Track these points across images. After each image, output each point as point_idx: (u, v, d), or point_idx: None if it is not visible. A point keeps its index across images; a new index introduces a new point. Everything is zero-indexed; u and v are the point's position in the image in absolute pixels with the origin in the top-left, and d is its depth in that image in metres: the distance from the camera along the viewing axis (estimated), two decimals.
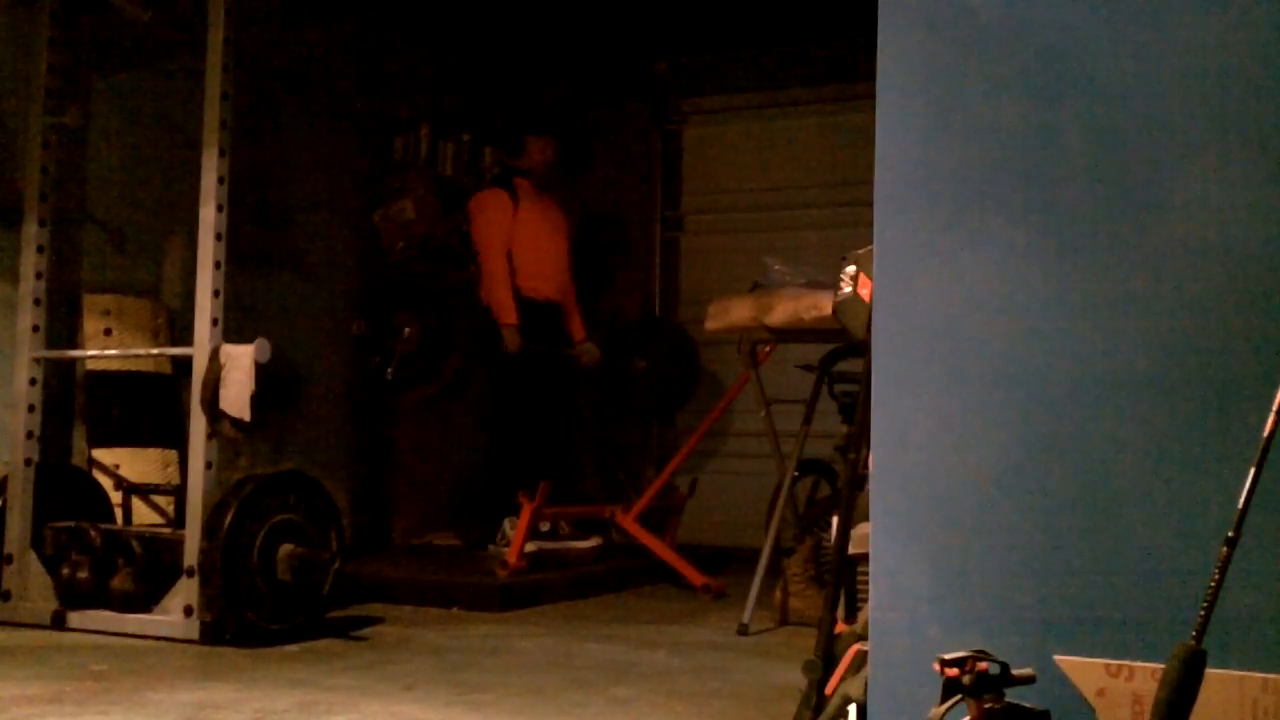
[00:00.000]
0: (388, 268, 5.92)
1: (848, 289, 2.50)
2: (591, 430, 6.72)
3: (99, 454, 4.64)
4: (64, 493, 4.27)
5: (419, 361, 5.46)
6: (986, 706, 1.66)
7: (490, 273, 5.72)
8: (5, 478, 4.17)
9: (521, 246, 5.76)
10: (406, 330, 5.49)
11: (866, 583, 2.15)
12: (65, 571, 4.00)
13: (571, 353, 5.98)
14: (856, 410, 3.22)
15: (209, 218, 3.96)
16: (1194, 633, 1.57)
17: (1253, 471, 1.60)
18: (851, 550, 2.49)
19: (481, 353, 5.85)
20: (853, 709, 2.13)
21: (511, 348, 5.58)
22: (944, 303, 2.06)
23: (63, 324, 4.56)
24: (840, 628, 2.48)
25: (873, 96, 2.14)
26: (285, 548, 3.89)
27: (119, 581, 3.95)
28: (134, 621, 3.90)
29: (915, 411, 2.07)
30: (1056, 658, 1.85)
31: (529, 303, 5.75)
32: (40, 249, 4.25)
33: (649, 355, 6.50)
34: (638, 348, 6.54)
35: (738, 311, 4.53)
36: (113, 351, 4.60)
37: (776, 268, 4.62)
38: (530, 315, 5.72)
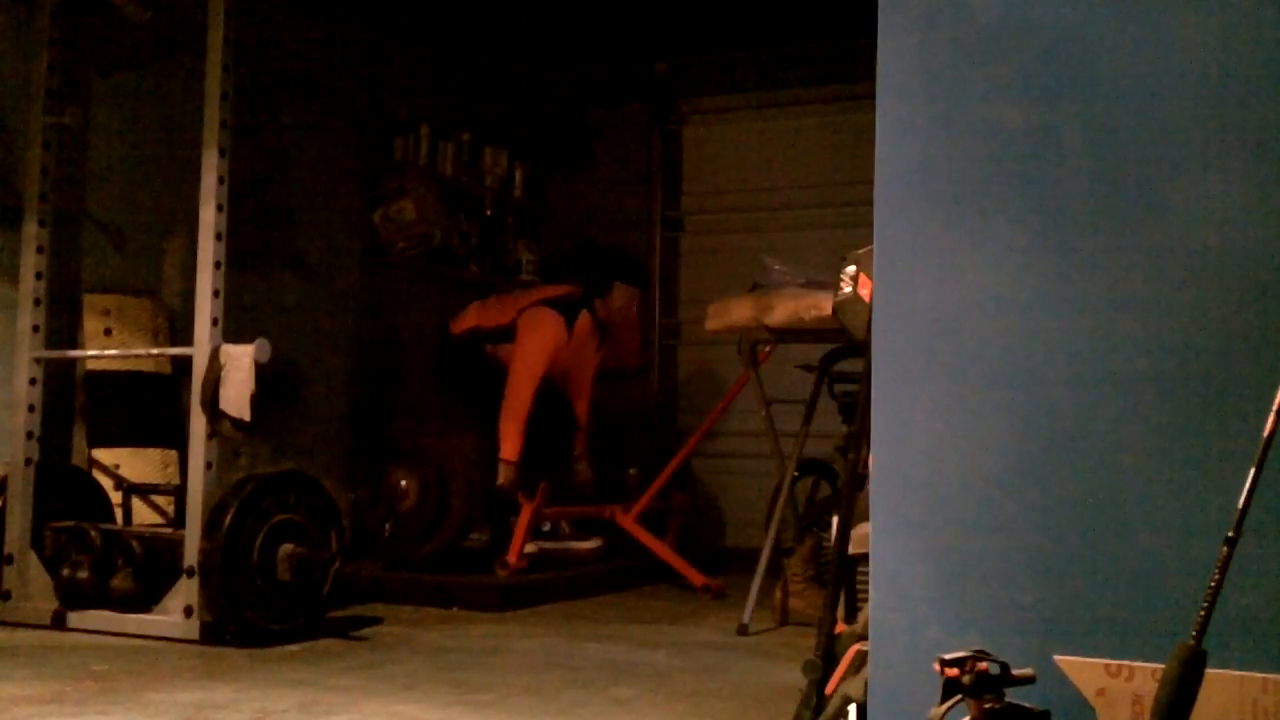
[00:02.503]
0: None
1: (848, 289, 2.50)
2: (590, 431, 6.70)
3: (99, 454, 4.64)
4: (64, 493, 4.27)
5: (418, 523, 5.31)
6: (986, 706, 1.66)
7: (514, 401, 5.31)
8: (5, 478, 4.17)
9: (549, 371, 5.49)
10: (405, 486, 5.33)
11: (866, 583, 2.15)
12: (65, 571, 4.00)
13: (565, 474, 5.79)
14: (856, 410, 3.22)
15: (209, 218, 3.96)
16: (1194, 633, 1.57)
17: (1253, 471, 1.60)
18: (851, 550, 2.49)
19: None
20: (853, 709, 2.13)
21: (504, 482, 5.27)
22: (944, 303, 2.06)
23: (63, 324, 4.56)
24: (840, 628, 2.47)
25: (873, 96, 2.14)
26: (285, 548, 3.89)
27: (119, 581, 3.95)
28: (134, 621, 3.90)
29: (915, 411, 2.07)
30: (1056, 658, 1.85)
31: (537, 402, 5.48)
32: (40, 249, 4.25)
33: (642, 466, 6.39)
34: (632, 456, 6.45)
35: (738, 311, 4.53)
36: (113, 351, 4.60)
37: (776, 268, 4.62)
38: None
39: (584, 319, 5.54)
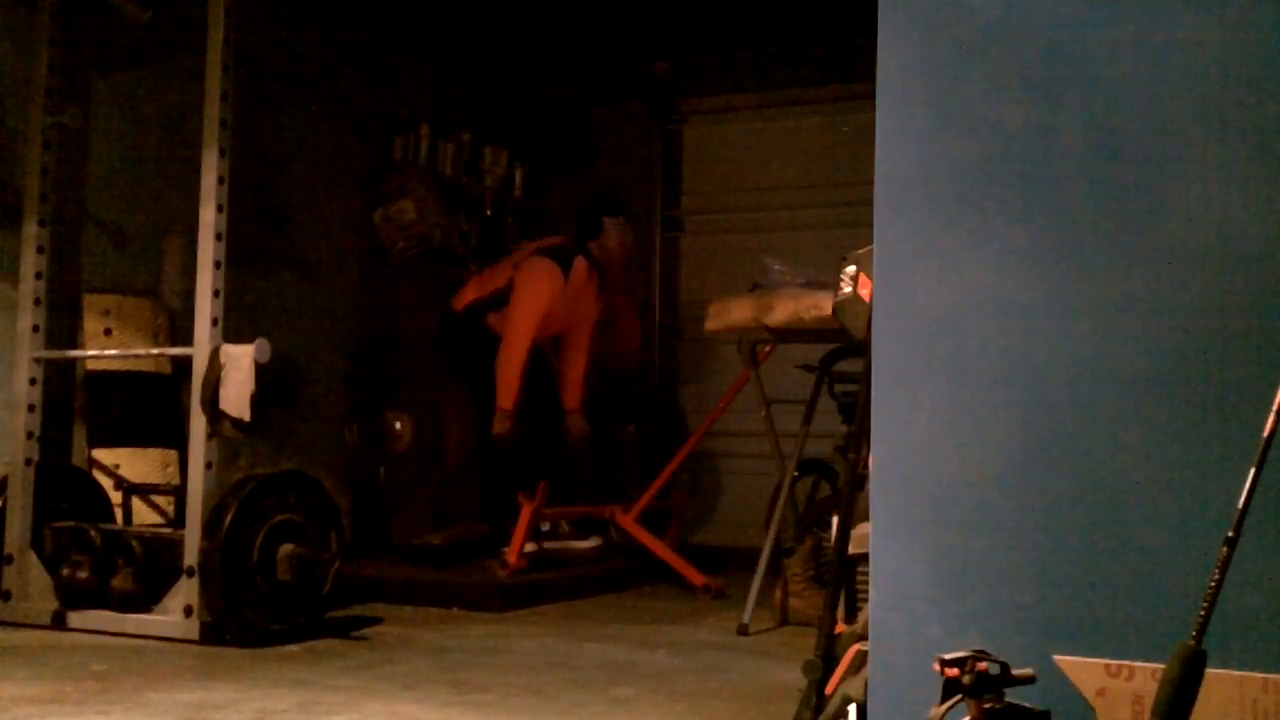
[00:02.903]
0: (385, 351, 5.69)
1: (848, 289, 2.50)
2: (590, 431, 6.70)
3: (99, 454, 4.64)
4: (64, 493, 4.27)
5: (415, 463, 5.27)
6: (986, 706, 1.65)
7: (512, 352, 5.36)
8: (5, 478, 4.17)
9: (547, 323, 5.54)
10: (398, 426, 5.30)
11: (866, 583, 2.15)
12: (65, 571, 4.00)
13: (559, 427, 5.83)
14: (856, 410, 3.22)
15: (209, 218, 3.96)
16: (1194, 633, 1.57)
17: (1253, 471, 1.60)
18: (851, 550, 2.49)
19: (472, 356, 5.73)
20: (853, 709, 2.13)
21: (499, 429, 5.32)
22: (944, 302, 2.06)
23: (63, 324, 4.56)
24: (840, 628, 2.48)
25: (873, 96, 2.14)
26: (285, 548, 3.89)
27: (119, 581, 3.95)
28: (134, 621, 3.90)
29: (915, 411, 2.07)
30: (1056, 658, 1.85)
31: (531, 359, 5.54)
32: (40, 249, 4.25)
33: (639, 421, 6.42)
34: (628, 411, 6.47)
35: (738, 311, 4.53)
36: (113, 351, 4.60)
37: (776, 268, 4.62)
38: (534, 372, 5.54)
39: (580, 264, 5.57)
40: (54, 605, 4.02)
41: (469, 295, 5.64)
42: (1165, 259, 1.92)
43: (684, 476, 6.06)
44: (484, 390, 5.47)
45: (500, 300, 5.51)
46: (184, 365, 4.40)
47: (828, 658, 2.40)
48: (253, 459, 5.15)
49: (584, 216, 5.76)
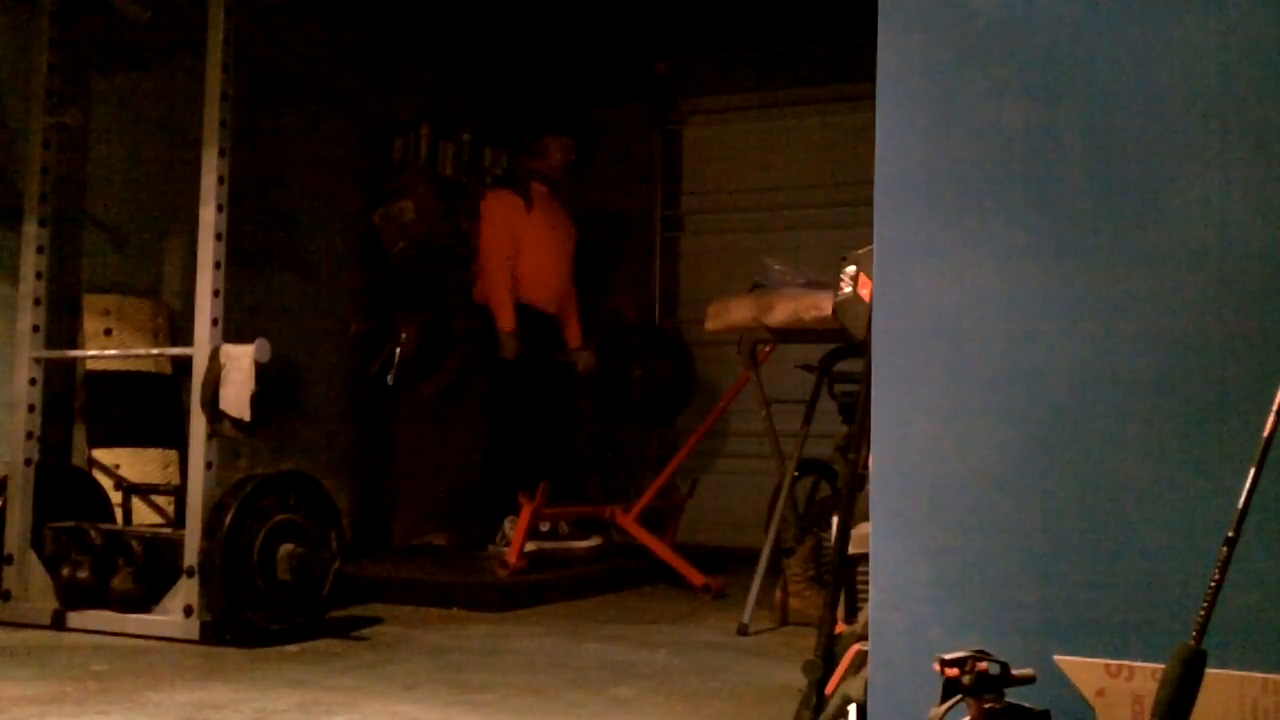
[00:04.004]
0: (388, 268, 5.84)
1: (848, 289, 2.50)
2: (590, 430, 6.71)
3: (99, 454, 4.64)
4: (64, 493, 4.27)
5: (418, 361, 5.35)
6: (986, 706, 1.66)
7: (492, 279, 5.63)
8: (5, 478, 4.17)
9: (526, 254, 5.68)
10: (404, 333, 5.38)
11: (866, 583, 2.15)
12: (65, 571, 4.00)
13: (567, 359, 5.96)
14: (856, 410, 3.22)
15: (209, 218, 3.96)
16: (1194, 633, 1.57)
17: (1253, 471, 1.60)
18: (851, 550, 2.49)
19: (480, 353, 5.82)
20: (853, 709, 2.13)
21: (508, 354, 5.51)
22: (944, 303, 2.06)
23: (63, 324, 4.56)
24: (840, 628, 2.48)
25: (873, 96, 2.14)
26: (285, 548, 3.89)
27: (119, 581, 3.95)
28: (134, 621, 3.90)
29: (915, 411, 2.07)
30: (1056, 658, 1.85)
31: (527, 309, 5.69)
32: (40, 249, 4.25)
33: (645, 361, 6.47)
34: (634, 353, 6.52)
35: (738, 311, 4.52)
36: (113, 351, 4.60)
37: (776, 268, 4.62)
38: (528, 321, 5.67)
39: (538, 188, 5.74)
40: (54, 605, 4.02)
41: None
42: (1165, 259, 1.92)
43: (684, 477, 6.06)
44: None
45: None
46: (184, 365, 4.40)
47: (828, 658, 2.40)
48: (253, 459, 5.16)
49: (527, 138, 5.93)
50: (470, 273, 6.38)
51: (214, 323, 3.92)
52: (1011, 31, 2.05)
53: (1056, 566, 1.95)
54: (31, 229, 4.25)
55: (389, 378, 5.15)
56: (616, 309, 6.34)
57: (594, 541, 5.76)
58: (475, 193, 6.10)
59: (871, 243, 2.18)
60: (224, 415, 3.85)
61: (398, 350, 5.23)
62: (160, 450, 4.78)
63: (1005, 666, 1.68)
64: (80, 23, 4.50)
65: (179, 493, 4.30)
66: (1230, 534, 1.59)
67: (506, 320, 5.56)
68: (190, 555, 3.82)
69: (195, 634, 3.80)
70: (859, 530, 2.45)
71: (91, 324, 4.69)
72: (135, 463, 4.68)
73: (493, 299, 5.60)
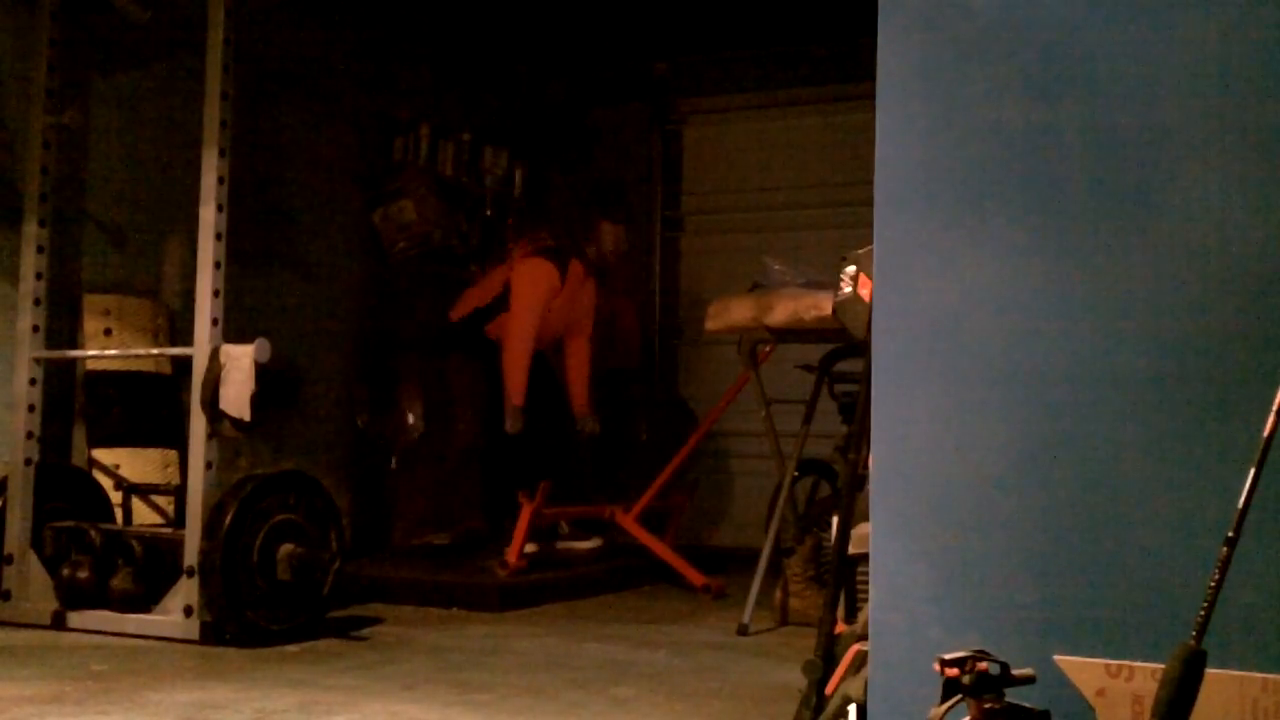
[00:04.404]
0: (388, 356, 5.70)
1: (848, 289, 2.50)
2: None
3: (99, 454, 4.64)
4: (64, 493, 4.27)
5: (423, 447, 5.23)
6: (986, 706, 1.66)
7: (515, 350, 5.41)
8: (5, 478, 4.17)
9: (548, 326, 5.56)
10: (410, 417, 5.26)
11: (866, 583, 2.15)
12: (65, 571, 4.00)
13: (570, 428, 5.84)
14: (856, 410, 3.22)
15: (209, 218, 3.96)
16: (1194, 633, 1.57)
17: (1253, 471, 1.60)
18: (851, 550, 2.49)
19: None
20: (853, 709, 2.13)
21: (512, 429, 5.36)
22: (944, 303, 2.06)
23: (63, 324, 4.56)
24: (840, 628, 2.47)
25: (873, 96, 2.14)
26: (285, 548, 3.89)
27: (119, 581, 3.95)
28: (134, 621, 3.90)
29: (915, 411, 2.07)
30: (1056, 658, 1.85)
31: (537, 363, 5.56)
32: (40, 249, 4.25)
33: (651, 418, 6.42)
34: (637, 407, 6.46)
35: (738, 311, 4.52)
36: (113, 351, 4.60)
37: (776, 268, 4.62)
38: (535, 372, 5.56)
39: (575, 265, 5.60)
40: (54, 605, 4.02)
41: (468, 305, 5.67)
42: (1165, 258, 1.92)
43: (688, 475, 6.06)
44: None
45: (498, 307, 5.55)
46: (184, 365, 4.40)
47: (828, 658, 2.40)
48: (253, 459, 5.16)
49: (581, 216, 5.79)
50: (469, 271, 6.39)
51: (214, 323, 3.92)
52: (1011, 31, 2.05)
53: (1056, 566, 1.94)
54: (31, 229, 4.25)
55: (392, 461, 5.09)
56: (615, 315, 6.27)
57: (594, 542, 5.76)
58: (510, 247, 5.99)
59: (871, 243, 2.18)
60: (224, 415, 3.85)
61: (402, 437, 5.15)
62: (160, 450, 4.78)
63: (1005, 666, 1.68)
64: (80, 23, 4.50)
65: (179, 493, 4.30)
66: (1230, 534, 1.59)
67: (517, 395, 5.38)
68: (190, 555, 3.82)
69: (195, 634, 3.80)
70: (859, 530, 2.45)
71: (91, 324, 4.69)
72: (135, 463, 4.68)
73: (510, 372, 5.40)
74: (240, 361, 3.83)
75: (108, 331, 4.72)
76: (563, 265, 5.53)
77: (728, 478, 7.02)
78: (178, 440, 4.69)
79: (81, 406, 4.68)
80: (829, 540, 3.37)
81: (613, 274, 5.91)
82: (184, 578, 3.83)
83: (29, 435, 4.18)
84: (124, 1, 4.44)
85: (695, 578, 5.27)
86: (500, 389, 5.44)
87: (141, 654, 3.67)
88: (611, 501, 5.70)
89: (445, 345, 5.76)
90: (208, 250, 3.94)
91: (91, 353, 4.57)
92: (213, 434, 3.88)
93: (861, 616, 2.34)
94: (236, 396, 3.82)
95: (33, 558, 4.11)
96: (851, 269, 2.49)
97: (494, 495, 5.60)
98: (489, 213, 6.83)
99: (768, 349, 4.86)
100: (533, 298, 5.44)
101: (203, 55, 4.03)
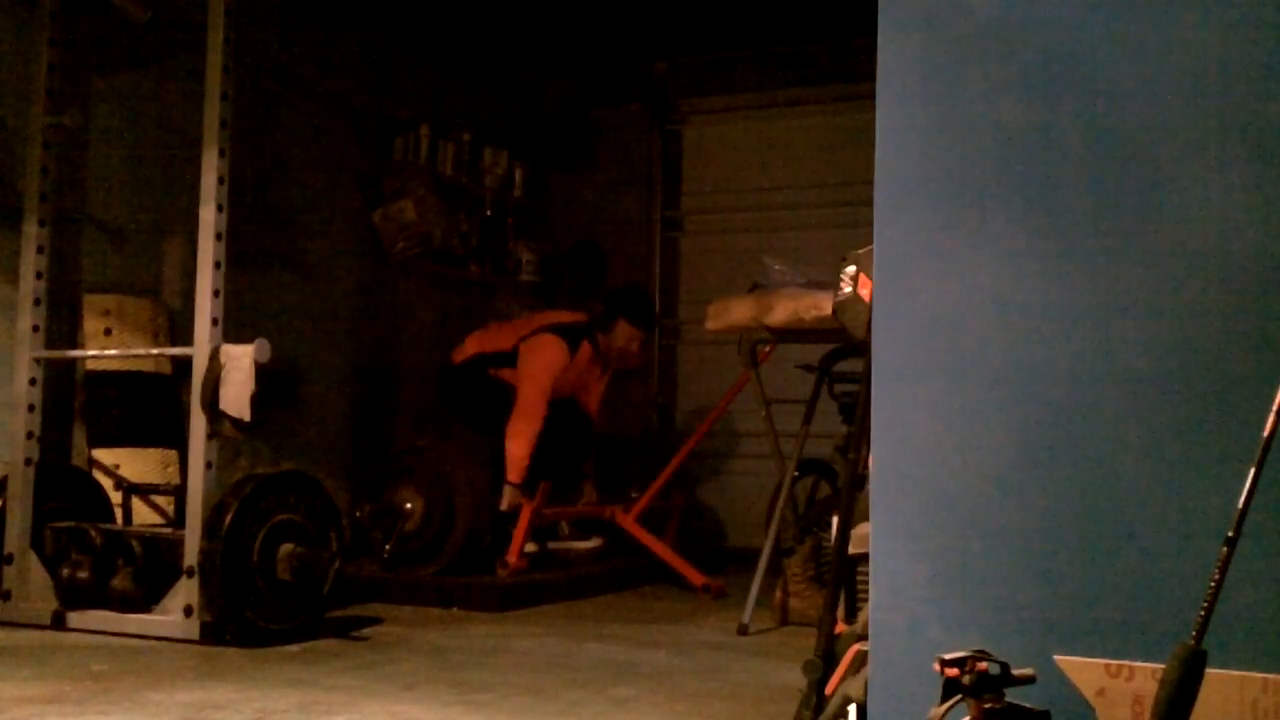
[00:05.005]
0: (389, 460, 5.62)
1: (848, 289, 2.49)
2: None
3: (99, 454, 4.64)
4: (64, 493, 4.27)
5: (418, 541, 5.21)
6: (986, 706, 1.66)
7: (521, 429, 5.38)
8: (5, 478, 4.17)
9: (555, 394, 5.56)
10: (409, 506, 5.23)
11: (866, 583, 2.14)
12: (65, 571, 4.00)
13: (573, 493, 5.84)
14: (856, 410, 3.22)
15: (209, 218, 3.96)
16: (1194, 633, 1.57)
17: (1253, 471, 1.60)
18: (851, 550, 2.49)
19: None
20: (853, 709, 2.13)
21: (508, 507, 5.29)
22: (944, 303, 2.06)
23: (63, 324, 4.56)
24: (840, 628, 2.47)
25: (873, 96, 2.14)
26: (285, 548, 3.89)
27: (119, 581, 3.95)
28: (134, 621, 3.90)
29: (915, 411, 2.07)
30: (1056, 658, 1.85)
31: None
32: (40, 249, 4.25)
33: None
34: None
35: (738, 311, 4.53)
36: (113, 351, 4.60)
37: (776, 268, 4.62)
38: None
39: (585, 347, 5.67)
40: (54, 605, 4.02)
41: (471, 349, 5.69)
42: (1165, 259, 1.92)
43: (684, 477, 6.06)
44: (494, 432, 5.51)
45: (502, 361, 5.57)
46: (184, 365, 4.40)
47: (828, 658, 2.39)
48: (253, 459, 5.16)
49: (606, 306, 5.83)
50: (469, 272, 6.38)
51: (214, 323, 3.92)
52: (1011, 31, 2.05)
53: (1056, 566, 1.94)
54: (31, 229, 4.24)
55: (386, 550, 5.06)
56: (623, 352, 6.08)
57: (595, 542, 5.76)
58: (514, 321, 6.01)
59: (871, 243, 2.18)
60: (224, 415, 3.85)
61: (398, 529, 5.12)
62: (160, 450, 4.78)
63: (1005, 666, 1.68)
64: (80, 23, 4.50)
65: (179, 493, 4.30)
66: (1230, 534, 1.59)
67: (516, 473, 5.34)
68: (190, 555, 3.82)
69: (195, 634, 3.80)
70: (859, 530, 2.45)
71: (91, 324, 4.69)
72: (135, 463, 4.68)
73: (514, 449, 5.37)
74: (240, 361, 3.83)
75: (108, 331, 4.72)
76: (574, 343, 5.60)
77: (728, 478, 7.02)
78: (178, 440, 4.69)
79: (81, 406, 4.68)
80: (829, 540, 3.37)
81: (613, 368, 5.93)
82: (184, 578, 3.83)
83: (29, 435, 4.17)
84: (123, 1, 4.44)
85: (695, 578, 5.27)
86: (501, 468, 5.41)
87: (141, 654, 3.67)
88: (612, 501, 5.71)
89: (446, 389, 5.75)
90: (208, 250, 3.94)
91: (91, 353, 4.57)
92: (213, 434, 3.88)
93: (861, 616, 2.34)
94: (236, 396, 3.82)
95: (33, 558, 4.11)
96: (851, 269, 2.49)
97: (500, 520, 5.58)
98: (489, 213, 6.83)
99: (768, 349, 4.86)
100: (543, 369, 5.48)
101: (203, 55, 4.03)
